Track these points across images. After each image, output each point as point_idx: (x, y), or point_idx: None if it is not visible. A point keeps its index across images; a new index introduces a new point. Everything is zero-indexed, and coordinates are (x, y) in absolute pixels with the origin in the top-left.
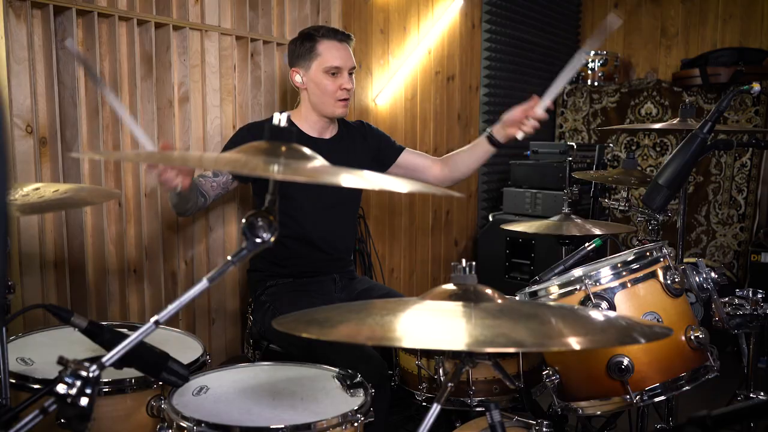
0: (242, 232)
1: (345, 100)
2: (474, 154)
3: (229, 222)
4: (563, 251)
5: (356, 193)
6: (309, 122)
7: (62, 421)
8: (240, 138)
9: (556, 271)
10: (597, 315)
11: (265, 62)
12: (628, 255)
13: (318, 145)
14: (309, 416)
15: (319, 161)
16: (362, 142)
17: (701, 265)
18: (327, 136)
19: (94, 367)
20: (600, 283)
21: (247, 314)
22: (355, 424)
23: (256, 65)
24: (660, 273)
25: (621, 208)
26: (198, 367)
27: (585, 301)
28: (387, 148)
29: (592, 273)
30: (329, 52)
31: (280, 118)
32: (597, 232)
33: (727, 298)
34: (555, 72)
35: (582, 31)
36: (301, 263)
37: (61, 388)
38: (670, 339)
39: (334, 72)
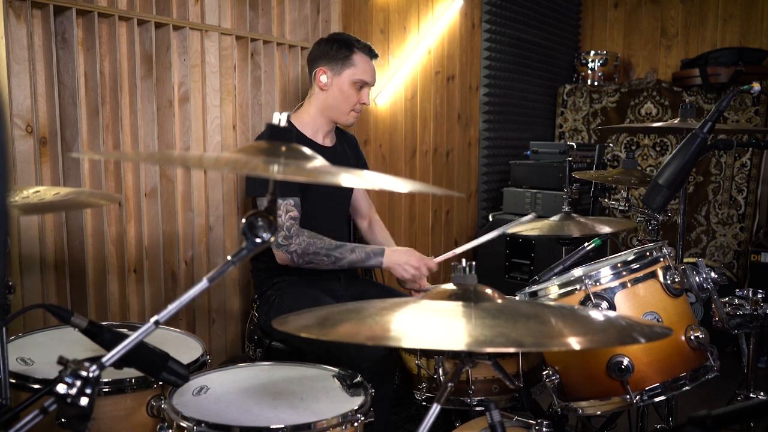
0: (242, 232)
1: (358, 112)
2: (376, 239)
3: (229, 222)
4: (563, 251)
5: (348, 194)
6: (315, 124)
7: (62, 421)
8: None
9: (556, 271)
10: (597, 315)
11: (265, 62)
12: (628, 255)
13: (319, 151)
14: (309, 416)
15: (319, 161)
16: (354, 154)
17: (701, 265)
18: (328, 143)
19: (94, 367)
20: (600, 283)
21: (252, 310)
22: (355, 424)
23: (256, 65)
24: (660, 273)
25: (621, 208)
26: (198, 367)
27: (585, 301)
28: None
29: (592, 273)
30: (363, 65)
31: (279, 118)
32: (598, 230)
33: (727, 298)
34: (555, 72)
35: (582, 31)
36: None
37: (61, 388)
38: (670, 339)
39: (361, 86)
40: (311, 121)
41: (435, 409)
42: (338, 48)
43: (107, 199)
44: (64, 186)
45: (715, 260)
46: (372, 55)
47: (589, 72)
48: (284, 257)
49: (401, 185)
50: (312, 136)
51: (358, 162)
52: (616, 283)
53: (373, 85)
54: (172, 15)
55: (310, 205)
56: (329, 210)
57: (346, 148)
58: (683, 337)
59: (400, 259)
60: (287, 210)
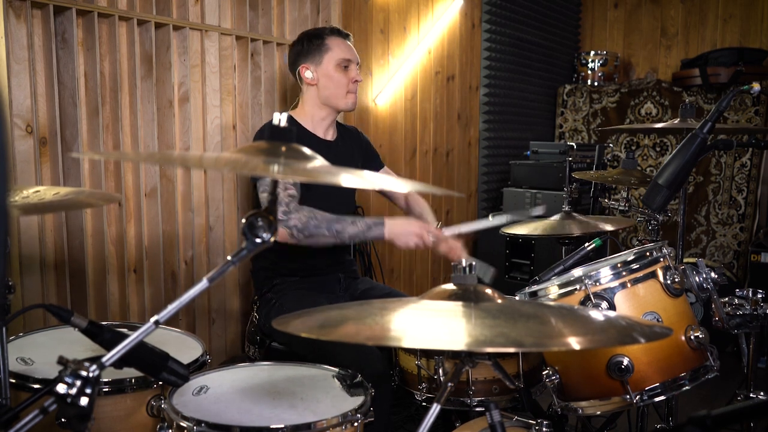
0: (242, 232)
1: (354, 92)
2: (413, 213)
3: (229, 222)
4: (563, 251)
5: (351, 193)
6: (315, 120)
7: (62, 420)
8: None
9: (556, 271)
10: (597, 315)
11: (265, 62)
12: (628, 255)
13: (322, 145)
14: (309, 416)
15: (319, 161)
16: (358, 146)
17: (701, 265)
18: (330, 137)
19: (94, 367)
20: (600, 283)
21: (252, 312)
22: (355, 424)
23: (256, 65)
24: (660, 273)
25: (621, 208)
26: (198, 367)
27: (585, 301)
28: (372, 161)
29: (592, 273)
30: (339, 47)
31: (280, 118)
32: (599, 228)
33: (727, 298)
34: (555, 72)
35: (582, 31)
36: (308, 262)
37: (61, 388)
38: (670, 339)
39: (345, 65)
40: (311, 117)
41: (435, 409)
42: (309, 41)
43: (106, 199)
44: (64, 186)
45: (715, 260)
46: (342, 35)
47: (589, 72)
48: (284, 233)
49: (401, 185)
50: (314, 131)
51: (364, 154)
52: (616, 283)
53: (358, 62)
54: (172, 15)
55: (310, 197)
56: (331, 210)
57: (348, 143)
58: (683, 337)
59: (402, 229)
60: (285, 187)
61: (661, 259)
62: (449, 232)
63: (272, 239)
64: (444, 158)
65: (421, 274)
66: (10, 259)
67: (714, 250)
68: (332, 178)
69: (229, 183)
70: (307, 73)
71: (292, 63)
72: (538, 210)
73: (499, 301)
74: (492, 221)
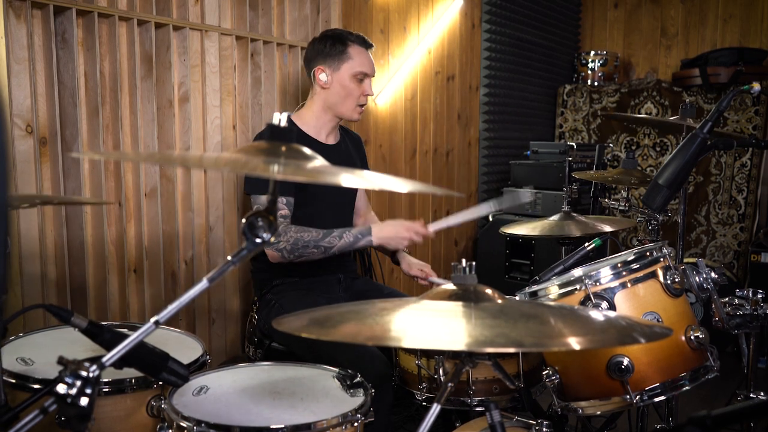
0: (242, 232)
1: (363, 105)
2: None
3: (229, 222)
4: (563, 251)
5: (353, 193)
6: (318, 123)
7: (62, 420)
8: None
9: (556, 271)
10: (597, 315)
11: (265, 62)
12: (628, 255)
13: (323, 149)
14: (309, 416)
15: (319, 161)
16: (357, 153)
17: (701, 265)
18: (331, 141)
19: (94, 367)
20: (600, 283)
21: (252, 312)
22: (355, 424)
23: (256, 65)
24: (660, 273)
25: (621, 208)
26: (198, 367)
27: (585, 301)
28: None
29: (592, 273)
30: (360, 58)
31: (280, 118)
32: (598, 229)
33: (727, 298)
34: (555, 72)
35: (582, 31)
36: (308, 263)
37: (61, 388)
38: (670, 339)
39: (361, 78)
40: (314, 120)
41: (435, 409)
42: (332, 44)
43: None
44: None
45: (715, 260)
46: (366, 45)
47: (589, 72)
48: (275, 255)
49: (401, 185)
50: (315, 135)
51: (362, 161)
52: (616, 283)
53: (373, 75)
54: (172, 15)
55: (313, 203)
56: (331, 210)
57: (350, 147)
58: (683, 337)
59: (389, 233)
60: (279, 208)
61: (661, 259)
62: (436, 226)
63: (272, 239)
64: (444, 158)
65: None
66: (10, 259)
67: (714, 250)
68: (332, 178)
69: (229, 183)
70: (322, 76)
71: (309, 60)
72: (526, 196)
73: (499, 301)
74: (479, 209)
